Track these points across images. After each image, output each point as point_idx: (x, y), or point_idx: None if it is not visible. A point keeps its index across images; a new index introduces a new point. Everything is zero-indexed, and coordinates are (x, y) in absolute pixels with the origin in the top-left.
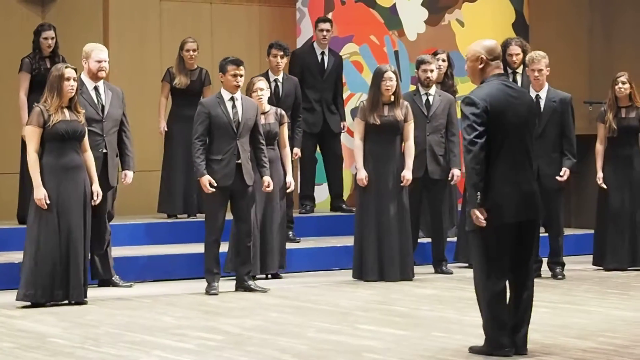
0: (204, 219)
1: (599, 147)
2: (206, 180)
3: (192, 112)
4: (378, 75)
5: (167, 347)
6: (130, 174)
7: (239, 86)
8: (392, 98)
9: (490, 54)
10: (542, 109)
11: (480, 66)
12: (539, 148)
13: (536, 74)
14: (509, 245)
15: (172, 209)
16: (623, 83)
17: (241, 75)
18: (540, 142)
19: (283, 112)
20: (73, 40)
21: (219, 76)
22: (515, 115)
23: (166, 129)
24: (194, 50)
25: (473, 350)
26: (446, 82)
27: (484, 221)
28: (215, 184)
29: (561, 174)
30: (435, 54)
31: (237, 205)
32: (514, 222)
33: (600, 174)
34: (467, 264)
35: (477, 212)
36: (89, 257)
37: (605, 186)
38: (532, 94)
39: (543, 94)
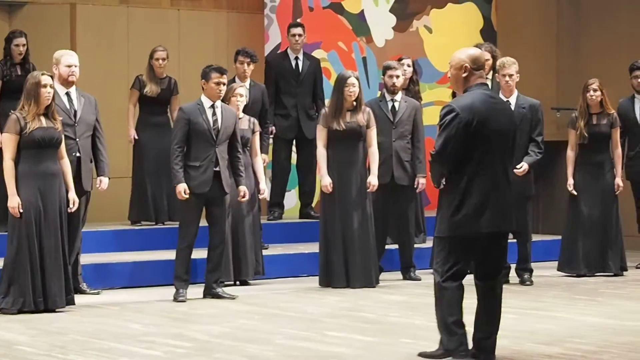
0: (172, 226)
1: (570, 154)
2: (182, 188)
3: (161, 120)
4: (341, 81)
5: (135, 355)
6: (105, 180)
7: (221, 95)
8: (355, 104)
9: (475, 63)
10: None
11: (464, 75)
12: None
13: (507, 78)
14: (473, 252)
15: (142, 216)
16: (594, 90)
17: (224, 84)
18: None
19: (256, 121)
20: (40, 47)
21: (200, 83)
22: (496, 126)
23: (136, 137)
24: (163, 59)
25: (424, 355)
26: (411, 89)
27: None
28: (189, 193)
29: (518, 166)
30: (400, 59)
31: (212, 212)
32: (487, 232)
33: (570, 181)
34: None
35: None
36: (69, 264)
37: (575, 192)
38: None
39: (512, 100)
